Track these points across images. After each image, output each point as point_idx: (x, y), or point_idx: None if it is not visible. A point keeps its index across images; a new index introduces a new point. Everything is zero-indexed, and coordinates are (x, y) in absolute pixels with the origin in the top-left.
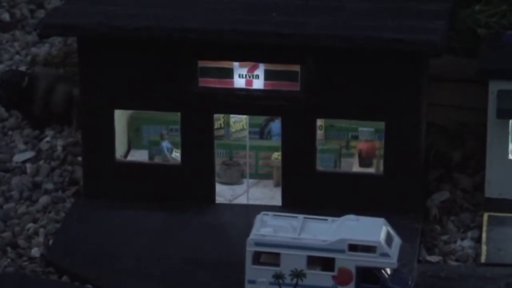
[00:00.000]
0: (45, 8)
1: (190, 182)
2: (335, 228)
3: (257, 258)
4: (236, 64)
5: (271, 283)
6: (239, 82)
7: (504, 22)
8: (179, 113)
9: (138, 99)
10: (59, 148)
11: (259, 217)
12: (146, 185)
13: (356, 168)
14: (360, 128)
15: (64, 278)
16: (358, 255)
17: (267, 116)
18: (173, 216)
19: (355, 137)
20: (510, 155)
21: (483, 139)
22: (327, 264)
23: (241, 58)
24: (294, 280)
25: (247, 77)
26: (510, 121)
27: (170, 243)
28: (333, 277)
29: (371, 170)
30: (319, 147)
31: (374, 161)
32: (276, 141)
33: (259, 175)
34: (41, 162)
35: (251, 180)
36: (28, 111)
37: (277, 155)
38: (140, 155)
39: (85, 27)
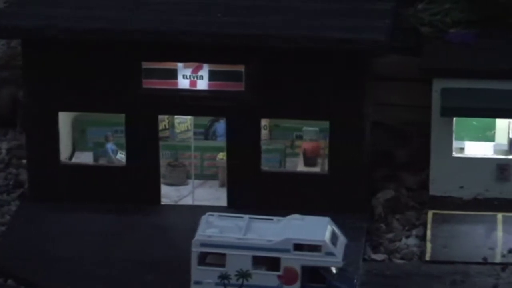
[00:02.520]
0: None
1: (135, 183)
2: (281, 227)
3: (203, 259)
4: (180, 65)
5: (217, 284)
6: (183, 83)
7: (447, 21)
8: (123, 115)
9: (83, 101)
10: (4, 151)
11: (204, 218)
12: (91, 187)
13: (301, 168)
14: (304, 128)
15: (10, 281)
16: (304, 255)
17: (212, 117)
18: (118, 218)
19: (300, 137)
20: (454, 153)
21: (428, 138)
22: (272, 264)
23: (185, 59)
24: (240, 281)
25: (191, 78)
26: (454, 119)
27: (116, 245)
28: (279, 276)
29: (316, 169)
30: (264, 147)
31: (319, 161)
32: (221, 141)
33: (205, 176)
34: None
35: (196, 181)
36: None
37: (222, 156)
38: (85, 157)
39: (31, 29)
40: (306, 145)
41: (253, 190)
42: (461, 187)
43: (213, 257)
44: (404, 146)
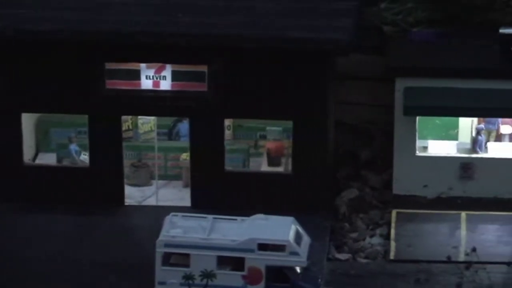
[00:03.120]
0: None
1: (99, 184)
2: (245, 227)
3: (167, 259)
4: (143, 65)
5: (181, 284)
6: (146, 84)
7: (410, 20)
8: (87, 116)
9: (46, 102)
10: None
11: (168, 218)
12: (55, 188)
13: (264, 168)
14: (268, 128)
15: None
16: (268, 254)
17: (175, 117)
18: (82, 219)
19: (264, 137)
20: (417, 152)
21: (391, 137)
22: (237, 264)
23: (148, 59)
24: (204, 281)
25: (154, 78)
26: (417, 118)
27: (80, 246)
28: (243, 276)
29: (280, 169)
30: (227, 147)
31: (283, 160)
32: (185, 142)
33: (168, 176)
34: None
35: (160, 181)
36: None
37: (185, 156)
38: (48, 158)
39: None
40: (270, 145)
41: (217, 190)
42: (425, 186)
43: (177, 258)
44: (368, 145)
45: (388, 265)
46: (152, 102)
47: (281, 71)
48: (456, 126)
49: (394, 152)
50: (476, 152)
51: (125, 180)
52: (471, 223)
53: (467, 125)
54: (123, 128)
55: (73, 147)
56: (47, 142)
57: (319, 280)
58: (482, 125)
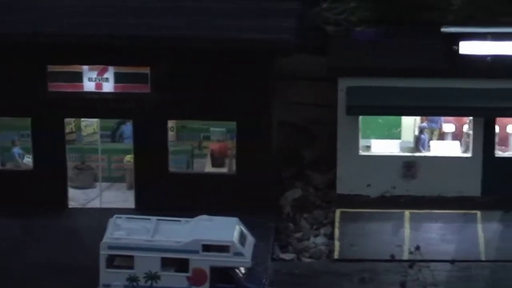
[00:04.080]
0: None
1: (43, 187)
2: (189, 229)
3: (111, 261)
4: (85, 67)
5: (125, 286)
6: (89, 86)
7: (352, 19)
8: (29, 119)
9: None
10: None
11: (112, 220)
12: None
13: (208, 169)
14: (211, 129)
15: None
16: (212, 255)
17: (119, 119)
18: (26, 222)
19: (207, 138)
20: (360, 151)
21: (335, 137)
22: (181, 265)
23: (90, 61)
24: (149, 283)
25: (97, 80)
26: (360, 117)
27: (24, 248)
28: (188, 278)
29: (224, 170)
30: (171, 149)
31: (227, 161)
32: (128, 143)
33: (112, 178)
34: None
35: (104, 184)
36: None
37: (129, 158)
38: None
39: None
40: (214, 145)
41: (160, 192)
42: (368, 185)
43: (121, 260)
44: (311, 145)
45: (332, 265)
46: (95, 104)
47: (225, 71)
48: (399, 125)
49: (338, 152)
50: (419, 151)
51: (69, 183)
52: (415, 222)
53: (410, 124)
54: (66, 131)
55: (17, 150)
56: None
57: (264, 280)
58: (424, 124)
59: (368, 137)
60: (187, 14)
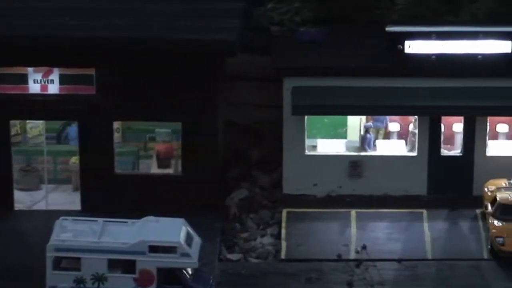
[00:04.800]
0: None
1: None
2: (135, 230)
3: (58, 263)
4: (30, 69)
5: None
6: (34, 88)
7: (297, 19)
8: None
9: None
10: None
11: (58, 222)
12: None
13: (154, 170)
14: (157, 130)
15: None
16: (159, 256)
17: (64, 121)
18: None
19: (153, 139)
20: (306, 151)
21: (281, 137)
22: (128, 266)
23: (35, 63)
24: (96, 284)
25: (42, 82)
26: (306, 117)
27: None
28: (135, 279)
29: (170, 170)
30: (117, 150)
31: (172, 162)
32: (74, 145)
33: (58, 180)
34: None
35: (49, 186)
36: None
37: (75, 160)
38: None
39: None
40: (159, 146)
41: (107, 193)
42: (315, 184)
43: (68, 262)
44: (257, 145)
45: (279, 265)
46: (41, 106)
47: (170, 72)
48: (344, 124)
49: (284, 152)
50: (365, 150)
51: (15, 185)
52: (361, 221)
53: (355, 123)
54: (12, 133)
55: None
56: None
57: (211, 281)
58: (370, 123)
59: (314, 136)
60: (131, 15)
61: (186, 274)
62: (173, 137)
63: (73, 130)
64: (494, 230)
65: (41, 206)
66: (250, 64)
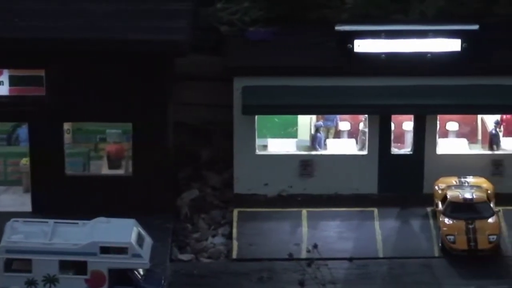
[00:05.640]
0: None
1: None
2: (86, 231)
3: (9, 265)
4: None
5: None
6: None
7: (246, 19)
8: None
9: None
10: None
11: (9, 224)
12: None
13: (105, 171)
14: (108, 130)
15: None
16: (110, 257)
17: (14, 122)
18: None
19: (103, 140)
20: (257, 151)
21: (231, 136)
22: (79, 267)
23: None
24: (47, 286)
25: None
26: (256, 117)
27: None
28: (86, 280)
29: (120, 171)
30: (67, 151)
31: (123, 163)
32: (24, 146)
33: (8, 182)
34: None
35: (0, 187)
36: None
37: (25, 161)
38: None
39: None
40: (110, 147)
41: (58, 195)
42: (266, 184)
43: (19, 263)
44: (208, 145)
45: (231, 264)
46: None
47: (120, 73)
48: (295, 124)
49: (234, 152)
50: (315, 150)
51: None
52: (312, 220)
53: (306, 122)
54: None
55: None
56: None
57: (163, 281)
58: (320, 122)
59: (264, 136)
60: (79, 16)
61: (138, 275)
62: (124, 138)
63: (23, 131)
64: (444, 228)
65: None
66: (200, 64)
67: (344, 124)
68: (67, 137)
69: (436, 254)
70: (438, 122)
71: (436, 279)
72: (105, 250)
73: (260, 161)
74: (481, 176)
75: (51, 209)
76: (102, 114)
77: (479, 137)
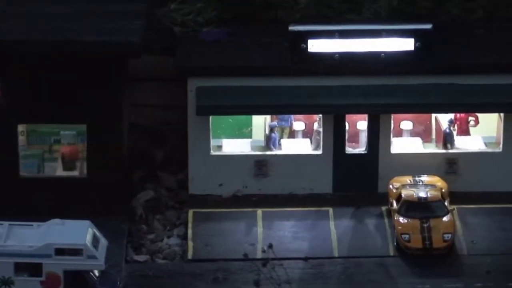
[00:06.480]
0: None
1: None
2: (41, 233)
3: None
4: None
5: None
6: None
7: (199, 20)
8: None
9: None
10: None
11: None
12: None
13: (60, 172)
14: (62, 132)
15: None
16: (65, 259)
17: None
18: None
19: (58, 141)
20: (212, 151)
21: (186, 137)
22: (34, 269)
23: None
24: None
25: None
26: (210, 117)
27: None
28: (42, 282)
29: (75, 173)
30: (21, 153)
31: (78, 164)
32: None
33: None
34: None
35: None
36: None
37: None
38: None
39: None
40: (64, 149)
41: (12, 197)
42: (220, 184)
43: None
44: (162, 146)
45: (186, 265)
46: None
47: (74, 74)
48: (249, 124)
49: (189, 152)
50: (270, 150)
51: None
52: (267, 220)
53: (260, 123)
54: None
55: None
56: None
57: (118, 282)
58: (275, 123)
59: (219, 137)
60: (31, 18)
61: (93, 276)
62: (78, 140)
63: None
64: (399, 227)
65: None
66: (154, 65)
67: (298, 124)
68: (21, 139)
69: (391, 253)
70: (392, 121)
71: (391, 278)
72: (60, 252)
73: (215, 162)
74: (435, 175)
75: (6, 211)
76: (57, 116)
77: (433, 136)
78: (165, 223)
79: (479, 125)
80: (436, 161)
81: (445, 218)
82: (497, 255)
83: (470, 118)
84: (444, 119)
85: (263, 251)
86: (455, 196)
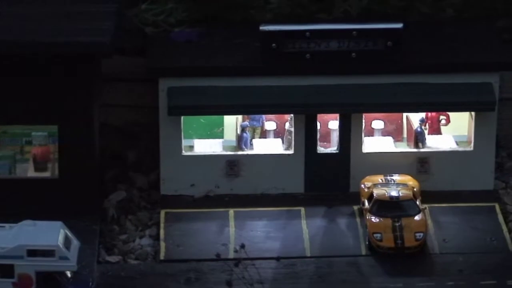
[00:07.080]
0: None
1: None
2: (13, 234)
3: None
4: None
5: None
6: None
7: (171, 20)
8: None
9: None
10: None
11: None
12: None
13: (31, 173)
14: (33, 133)
15: None
16: (37, 260)
17: None
18: None
19: (29, 142)
20: (183, 152)
21: (158, 137)
22: (6, 271)
23: None
24: None
25: None
26: (182, 117)
27: None
28: (14, 284)
29: (47, 174)
30: None
31: (49, 165)
32: None
33: None
34: None
35: None
36: None
37: None
38: None
39: None
40: (36, 150)
41: None
42: (192, 185)
43: None
44: (133, 146)
45: (158, 266)
46: None
47: (44, 75)
48: (221, 124)
49: (161, 153)
50: (242, 149)
51: None
52: (239, 220)
53: (231, 122)
54: None
55: None
56: None
57: (90, 283)
58: (246, 122)
59: (190, 137)
60: (2, 18)
61: (65, 277)
62: (50, 140)
63: None
64: (371, 226)
65: None
66: (125, 66)
67: (270, 124)
68: None
69: (363, 252)
70: (363, 121)
71: (363, 277)
72: (32, 253)
73: (187, 162)
74: (407, 174)
75: None
76: (27, 117)
77: (405, 135)
78: (137, 223)
79: (450, 124)
80: (408, 160)
81: (417, 217)
82: (468, 254)
83: (441, 117)
84: (415, 118)
85: (235, 251)
86: (427, 195)
